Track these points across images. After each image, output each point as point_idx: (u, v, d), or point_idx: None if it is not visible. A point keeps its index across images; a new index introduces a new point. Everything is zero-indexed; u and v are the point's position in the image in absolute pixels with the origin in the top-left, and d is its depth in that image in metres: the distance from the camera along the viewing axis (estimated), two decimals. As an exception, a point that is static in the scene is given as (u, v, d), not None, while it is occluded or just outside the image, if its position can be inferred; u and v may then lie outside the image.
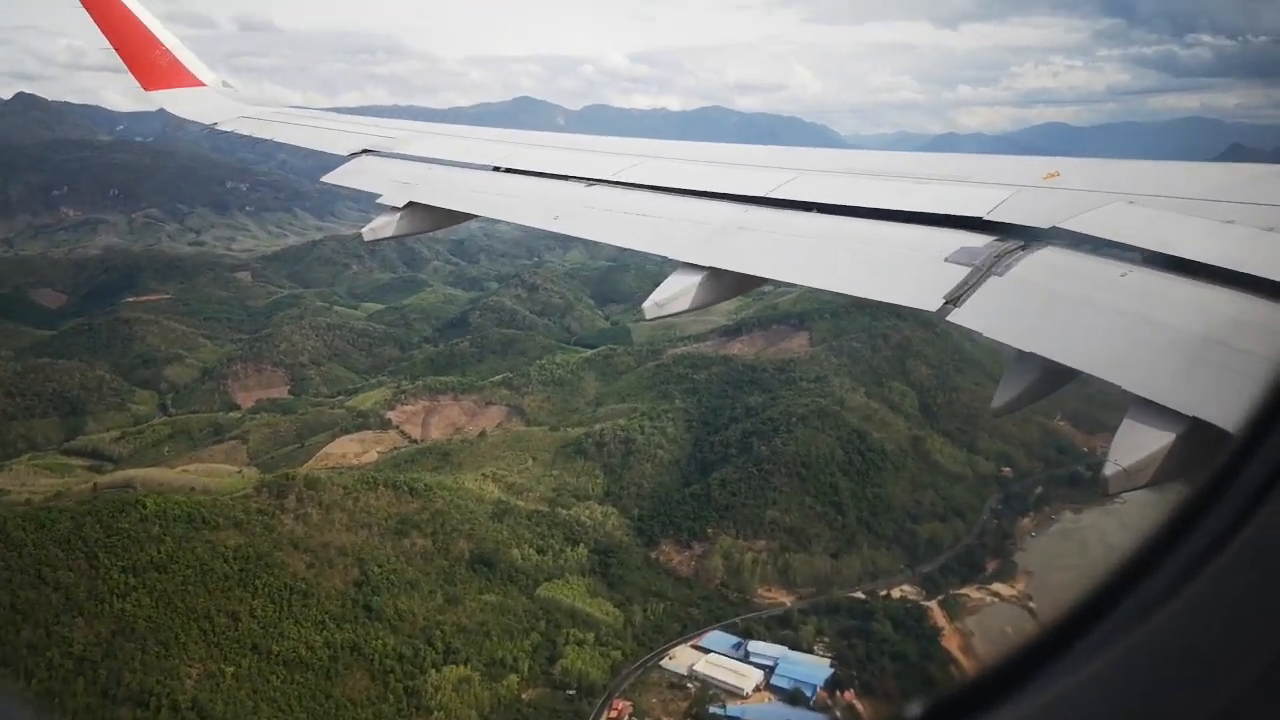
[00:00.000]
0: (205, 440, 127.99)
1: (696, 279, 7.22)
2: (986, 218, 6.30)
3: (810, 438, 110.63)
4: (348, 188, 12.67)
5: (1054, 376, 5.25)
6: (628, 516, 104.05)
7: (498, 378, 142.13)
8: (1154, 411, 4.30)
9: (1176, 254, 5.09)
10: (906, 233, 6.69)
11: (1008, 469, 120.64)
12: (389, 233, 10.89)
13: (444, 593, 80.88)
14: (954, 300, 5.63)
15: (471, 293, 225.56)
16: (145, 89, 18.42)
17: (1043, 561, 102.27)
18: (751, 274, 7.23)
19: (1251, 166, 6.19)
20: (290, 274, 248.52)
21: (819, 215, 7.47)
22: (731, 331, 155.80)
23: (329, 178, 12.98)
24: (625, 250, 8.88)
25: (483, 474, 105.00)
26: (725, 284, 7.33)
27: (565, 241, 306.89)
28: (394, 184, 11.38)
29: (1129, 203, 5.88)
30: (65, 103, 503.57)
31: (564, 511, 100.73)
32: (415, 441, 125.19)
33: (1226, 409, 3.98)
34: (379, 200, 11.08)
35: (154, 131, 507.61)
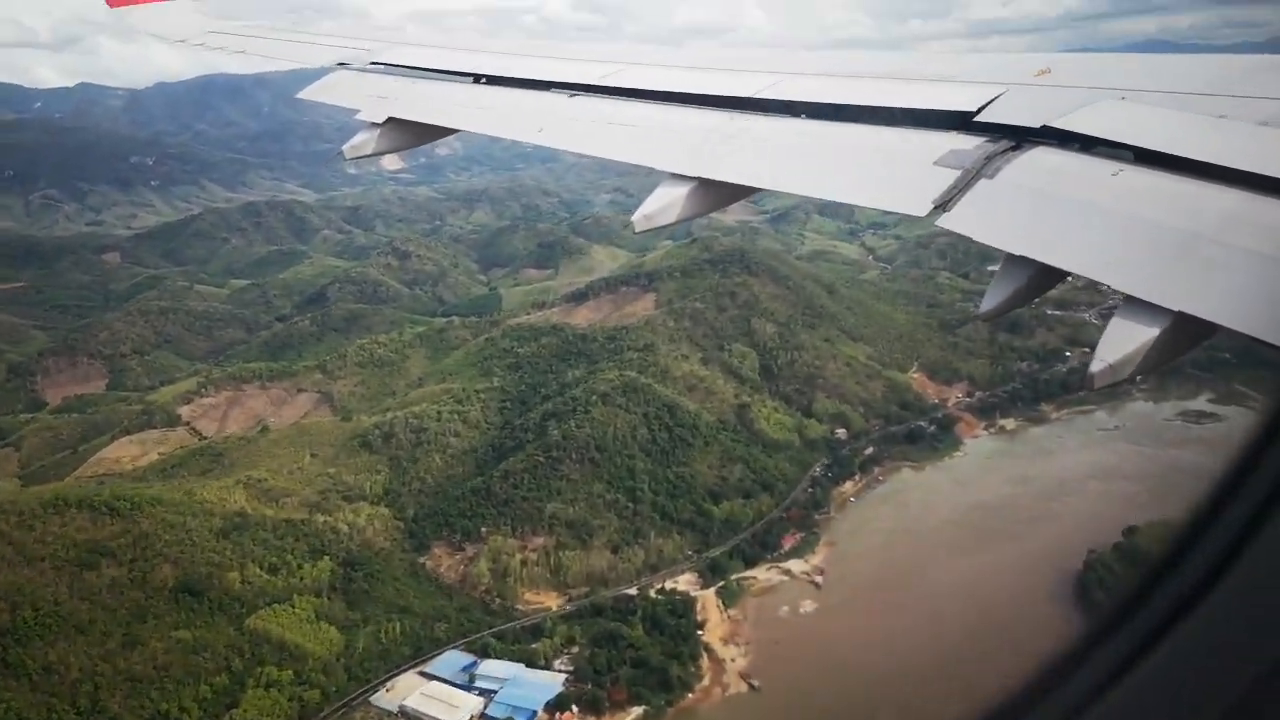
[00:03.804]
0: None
1: (684, 190, 7.09)
2: (977, 118, 6.16)
3: (609, 417, 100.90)
4: (322, 103, 12.20)
5: (1043, 279, 5.18)
6: (401, 518, 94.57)
7: (313, 362, 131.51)
8: (1141, 308, 4.33)
9: (1168, 151, 4.97)
10: (896, 136, 6.60)
11: (842, 430, 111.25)
12: (369, 150, 10.54)
13: (124, 634, 71.18)
14: (943, 205, 5.55)
15: (355, 263, 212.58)
16: (110, 5, 18.33)
17: (853, 529, 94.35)
18: (740, 183, 7.12)
19: (1247, 58, 6.00)
20: (165, 252, 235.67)
21: (807, 120, 7.38)
22: (580, 296, 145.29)
23: (305, 94, 12.70)
24: (611, 162, 8.26)
25: (236, 480, 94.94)
26: (713, 194, 7.19)
27: (470, 202, 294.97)
28: (371, 98, 11.05)
29: (1121, 98, 5.77)
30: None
31: (323, 518, 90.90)
32: (204, 439, 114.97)
33: (1212, 302, 4.07)
34: (357, 116, 10.77)
35: (70, 108, 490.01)
